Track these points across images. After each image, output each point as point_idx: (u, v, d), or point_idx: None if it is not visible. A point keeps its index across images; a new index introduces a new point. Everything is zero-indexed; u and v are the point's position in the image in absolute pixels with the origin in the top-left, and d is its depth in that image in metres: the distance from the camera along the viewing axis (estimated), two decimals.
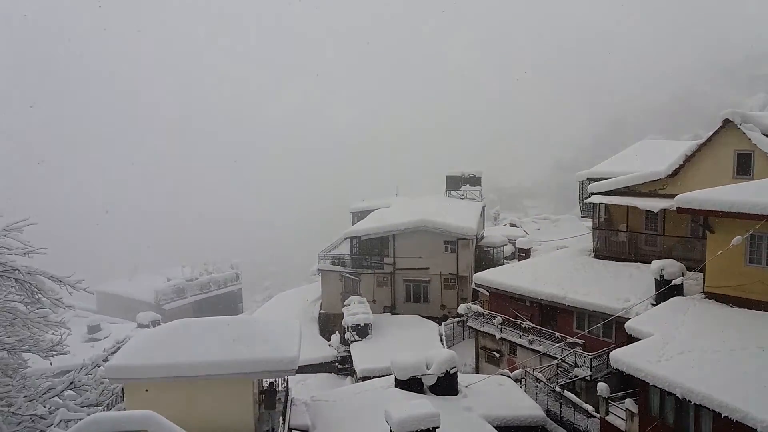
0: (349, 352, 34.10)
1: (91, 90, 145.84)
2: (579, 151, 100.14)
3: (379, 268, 40.21)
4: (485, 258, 50.41)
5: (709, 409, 16.31)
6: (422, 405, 18.07)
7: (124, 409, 19.94)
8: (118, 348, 21.60)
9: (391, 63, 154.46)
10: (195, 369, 18.98)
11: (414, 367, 22.16)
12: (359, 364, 31.15)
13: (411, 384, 22.24)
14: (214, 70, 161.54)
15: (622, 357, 18.91)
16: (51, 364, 24.20)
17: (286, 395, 22.24)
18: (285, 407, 21.53)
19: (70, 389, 21.42)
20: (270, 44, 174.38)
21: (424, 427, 17.41)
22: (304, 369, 35.31)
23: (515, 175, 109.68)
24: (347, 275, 40.30)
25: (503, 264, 40.09)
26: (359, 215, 48.79)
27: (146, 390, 19.31)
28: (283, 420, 20.38)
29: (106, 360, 21.98)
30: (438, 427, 17.73)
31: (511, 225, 59.38)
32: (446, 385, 22.60)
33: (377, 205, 48.57)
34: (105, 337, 51.12)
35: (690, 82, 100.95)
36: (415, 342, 33.12)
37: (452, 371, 22.64)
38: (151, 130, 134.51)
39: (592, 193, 29.23)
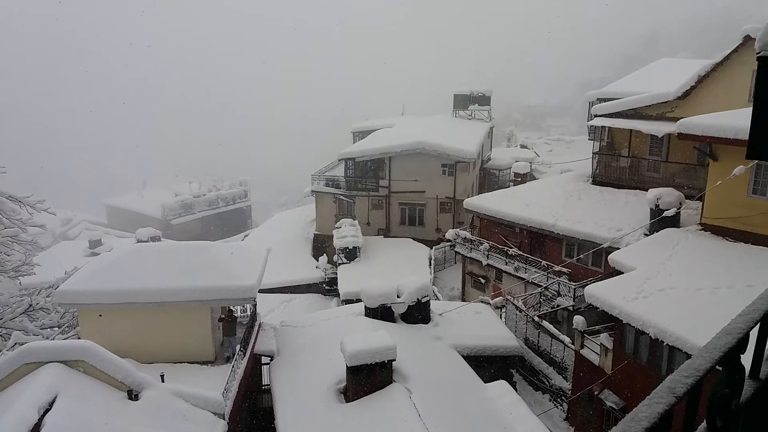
0: (337, 274, 33.48)
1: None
2: (609, 69, 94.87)
3: (374, 191, 38.90)
4: (490, 180, 48.71)
5: (682, 351, 15.16)
6: (380, 337, 17.23)
7: (78, 337, 19.62)
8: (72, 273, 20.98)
9: None
10: (147, 295, 18.34)
11: (384, 296, 21.26)
12: (343, 287, 30.56)
13: (381, 312, 21.42)
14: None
15: (596, 292, 17.66)
16: (20, 284, 23.96)
17: (252, 321, 21.68)
18: (249, 333, 21.01)
19: (30, 311, 21.10)
20: None
21: (379, 359, 16.63)
22: (292, 289, 35.06)
23: (542, 93, 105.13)
24: (341, 197, 39.13)
25: (509, 187, 38.43)
26: (360, 135, 46.97)
27: (100, 315, 18.83)
28: (244, 346, 19.86)
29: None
30: (394, 360, 16.96)
31: (522, 146, 57.00)
32: (417, 314, 21.76)
33: (380, 125, 46.57)
34: (107, 251, 51.60)
35: None
36: (403, 266, 32.32)
37: (424, 300, 21.72)
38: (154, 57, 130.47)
39: (596, 115, 27.01)
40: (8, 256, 22.77)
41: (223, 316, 20.06)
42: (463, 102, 49.14)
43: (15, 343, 18.74)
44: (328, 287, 34.75)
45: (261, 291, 33.73)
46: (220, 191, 75.47)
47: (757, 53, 2.73)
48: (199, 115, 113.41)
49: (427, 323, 21.90)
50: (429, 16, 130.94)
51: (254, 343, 21.32)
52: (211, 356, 19.86)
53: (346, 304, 28.39)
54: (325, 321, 22.18)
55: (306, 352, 20.05)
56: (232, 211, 75.56)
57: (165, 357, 19.25)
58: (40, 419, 13.27)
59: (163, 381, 16.29)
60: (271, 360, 21.03)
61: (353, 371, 16.57)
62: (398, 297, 21.60)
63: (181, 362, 19.41)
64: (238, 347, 19.31)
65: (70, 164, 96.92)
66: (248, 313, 22.29)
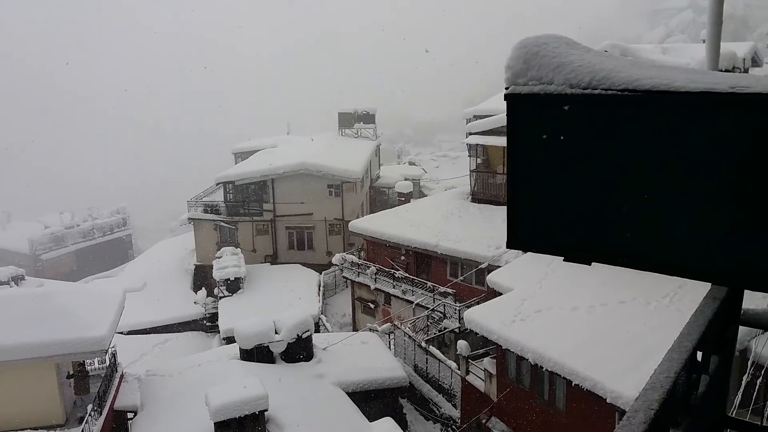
0: (218, 308, 31.28)
1: None
2: (488, 85, 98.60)
3: (258, 215, 37.06)
4: (380, 199, 48.31)
5: (561, 376, 14.92)
6: (250, 385, 15.71)
7: None
8: None
9: None
10: None
11: (259, 335, 19.69)
12: (224, 323, 28.49)
13: (257, 353, 19.82)
14: None
15: (475, 317, 17.21)
16: None
17: (111, 372, 19.30)
18: (108, 387, 18.65)
19: None
20: None
21: (248, 411, 15.11)
22: (170, 328, 32.41)
23: (432, 108, 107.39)
24: (222, 224, 36.93)
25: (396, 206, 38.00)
26: (243, 156, 45.00)
27: None
28: (100, 403, 17.53)
29: None
30: (266, 410, 15.50)
31: (410, 163, 57.34)
32: (298, 351, 20.37)
33: (263, 145, 44.85)
34: None
35: (594, 13, 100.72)
36: (291, 295, 30.77)
37: (305, 335, 20.38)
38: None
39: (470, 133, 27.10)
40: None
41: (71, 372, 17.63)
42: (348, 120, 48.51)
43: None
44: (209, 324, 32.43)
45: (132, 333, 31.00)
46: (96, 220, 69.96)
47: (506, 88, 1.84)
48: (67, 136, 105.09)
49: (309, 360, 20.55)
50: (313, 32, 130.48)
51: (114, 398, 18.96)
52: (60, 419, 17.40)
53: (227, 342, 26.41)
54: (196, 367, 20.22)
55: (174, 405, 18.05)
56: (110, 242, 70.27)
57: (5, 424, 16.58)
58: None
59: None
60: (134, 416, 18.78)
61: (220, 427, 14.93)
62: (276, 334, 20.11)
63: (24, 429, 16.80)
64: (90, 406, 16.97)
65: None
66: (107, 364, 19.85)
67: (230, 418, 14.80)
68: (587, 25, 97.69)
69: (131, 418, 19.00)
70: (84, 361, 18.32)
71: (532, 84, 1.80)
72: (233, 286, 31.71)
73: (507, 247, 1.99)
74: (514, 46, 1.89)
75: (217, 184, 38.29)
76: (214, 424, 14.92)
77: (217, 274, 31.85)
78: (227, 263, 32.22)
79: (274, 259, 37.37)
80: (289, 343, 20.09)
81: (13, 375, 16.55)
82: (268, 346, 19.88)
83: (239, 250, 34.80)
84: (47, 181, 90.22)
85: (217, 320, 30.85)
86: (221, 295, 31.73)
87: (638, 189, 1.71)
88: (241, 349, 20.01)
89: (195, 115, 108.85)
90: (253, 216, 36.99)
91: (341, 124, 48.87)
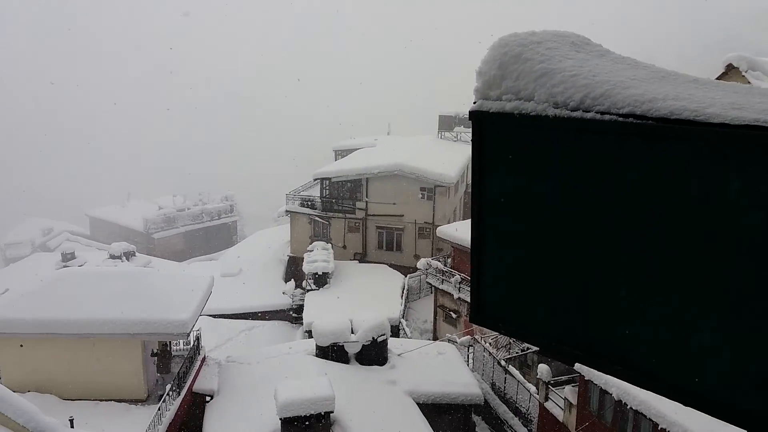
0: (304, 301, 31.83)
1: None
2: None
3: (350, 213, 37.39)
4: None
5: (647, 417, 13.61)
6: (319, 384, 15.67)
7: None
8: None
9: None
10: (71, 326, 16.75)
11: (335, 334, 19.66)
12: (307, 317, 28.89)
13: (332, 351, 19.80)
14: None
15: None
16: None
17: (193, 356, 20.05)
18: (188, 369, 19.37)
19: None
20: None
21: (314, 411, 15.05)
22: (258, 316, 33.40)
23: None
24: (317, 218, 37.61)
25: None
26: (342, 154, 45.63)
27: (21, 345, 17.25)
28: (179, 384, 18.22)
29: None
30: (332, 412, 15.37)
31: None
32: (373, 354, 20.13)
33: (362, 144, 45.22)
34: (79, 266, 49.90)
35: (725, 24, 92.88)
36: (375, 295, 30.71)
37: (380, 339, 20.10)
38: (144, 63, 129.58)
39: None
40: None
41: (156, 350, 18.46)
42: (448, 123, 47.87)
43: None
44: (295, 315, 33.08)
45: (222, 317, 32.27)
46: (205, 205, 74.04)
47: (473, 104, 1.39)
48: (188, 125, 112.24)
49: (383, 365, 20.26)
50: (427, 32, 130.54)
51: (194, 380, 19.67)
52: (142, 394, 18.23)
53: (309, 336, 26.76)
54: (274, 359, 20.55)
55: (247, 394, 18.42)
56: (217, 227, 74.03)
57: (91, 393, 17.63)
58: None
59: (72, 426, 14.65)
60: (210, 399, 19.38)
61: (286, 423, 14.97)
62: (353, 334, 20.00)
63: (108, 400, 17.80)
64: (169, 385, 17.68)
65: (54, 172, 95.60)
66: (190, 346, 20.65)
67: (295, 416, 14.79)
68: (712, 38, 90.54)
69: (208, 401, 19.63)
70: (169, 342, 19.12)
71: (506, 98, 1.29)
72: (321, 280, 32.14)
73: (470, 321, 1.47)
74: (492, 45, 1.37)
75: (315, 180, 39.04)
76: (280, 420, 14.97)
77: (307, 267, 32.41)
78: (317, 257, 32.71)
79: (362, 257, 37.53)
80: (364, 345, 19.90)
81: (103, 348, 17.54)
82: (343, 346, 19.81)
83: (330, 245, 35.26)
84: (164, 165, 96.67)
85: (302, 312, 31.42)
86: (309, 288, 32.27)
87: (646, 265, 1.14)
88: (317, 346, 20.09)
89: (303, 113, 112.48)
90: (346, 213, 37.35)
91: (441, 127, 48.33)
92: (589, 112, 1.18)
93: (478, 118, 1.35)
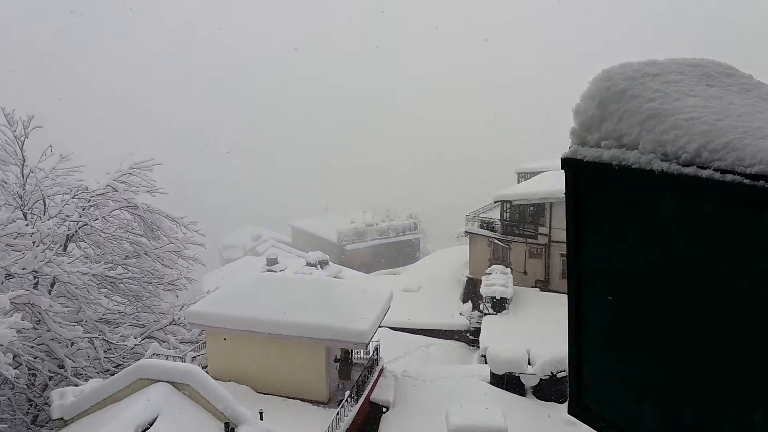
0: (481, 324, 31.39)
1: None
2: None
3: (532, 238, 36.19)
4: None
5: None
6: (492, 414, 15.26)
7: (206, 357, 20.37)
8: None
9: None
10: (264, 325, 18.41)
11: (511, 363, 19.04)
12: (483, 341, 28.40)
13: (507, 381, 19.20)
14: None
15: None
16: (177, 296, 25.90)
17: (372, 366, 20.81)
18: (367, 378, 20.15)
19: (173, 324, 22.57)
20: None
21: None
22: (434, 333, 33.69)
23: None
24: (496, 241, 37.03)
25: None
26: (526, 176, 44.53)
27: (224, 339, 19.37)
28: (357, 392, 19.01)
29: None
30: None
31: None
32: (551, 390, 19.09)
33: (547, 167, 43.65)
34: (281, 270, 54.93)
35: None
36: (557, 327, 29.20)
37: (560, 375, 19.01)
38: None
39: None
40: (170, 269, 24.73)
41: (339, 356, 19.48)
42: None
43: (153, 354, 20.01)
44: (471, 337, 32.75)
45: (401, 330, 33.10)
46: (392, 222, 77.28)
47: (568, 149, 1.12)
48: (375, 143, 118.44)
49: (562, 403, 19.11)
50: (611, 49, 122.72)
51: (371, 389, 20.41)
52: (324, 397, 19.33)
53: (485, 361, 26.33)
54: (448, 379, 20.51)
55: (419, 411, 18.61)
56: (402, 242, 76.76)
57: (280, 390, 19.13)
58: None
59: (261, 418, 16.01)
60: (385, 411, 19.93)
61: None
62: (529, 365, 19.21)
63: (294, 398, 19.16)
64: (348, 392, 18.52)
65: (266, 185, 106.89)
66: (370, 356, 21.48)
67: None
68: None
69: (384, 412, 20.20)
70: (350, 350, 20.09)
71: (605, 145, 1.03)
72: (498, 305, 31.48)
73: (568, 413, 1.23)
74: (594, 77, 1.11)
75: (495, 202, 38.55)
76: None
77: (484, 291, 32.00)
78: (495, 281, 32.14)
79: (544, 285, 36.03)
80: (541, 379, 19.00)
81: (292, 349, 18.96)
82: (519, 377, 19.11)
83: (509, 270, 34.43)
84: (357, 182, 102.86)
85: (479, 335, 31.03)
86: (486, 311, 31.79)
87: None
88: (491, 373, 19.64)
89: (488, 133, 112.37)
90: (527, 238, 36.24)
91: None
92: (706, 168, 0.88)
93: (572, 168, 1.09)
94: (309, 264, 54.44)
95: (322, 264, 54.25)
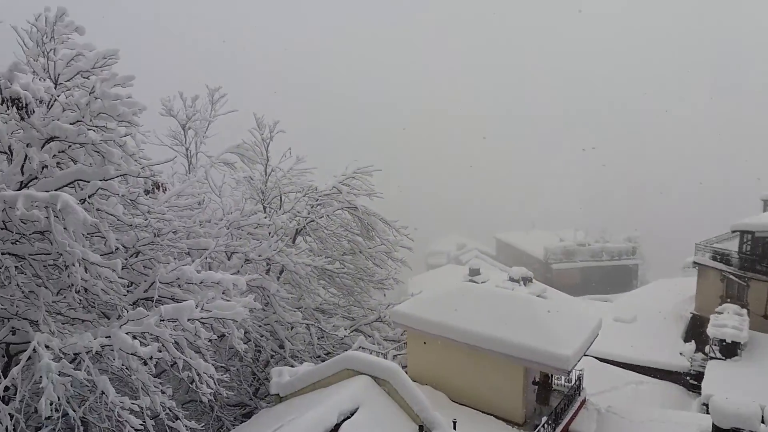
0: (705, 368, 27.70)
1: None
2: None
3: None
4: None
5: None
6: None
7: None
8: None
9: None
10: (462, 335, 18.38)
11: (739, 418, 16.43)
12: (707, 388, 25.01)
13: None
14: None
15: None
16: (384, 295, 27.26)
17: (573, 394, 19.59)
18: (567, 407, 19.04)
19: (379, 321, 23.72)
20: None
21: None
22: (645, 371, 30.69)
23: None
24: (731, 276, 32.33)
25: None
26: None
27: (424, 342, 19.78)
28: (555, 419, 18.06)
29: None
30: None
31: None
32: None
33: None
34: (483, 282, 54.78)
35: None
36: None
37: None
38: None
39: None
40: (380, 269, 26.14)
41: (537, 379, 18.69)
42: None
43: (359, 347, 21.32)
44: (692, 381, 29.10)
45: (608, 362, 30.65)
46: (606, 244, 72.43)
47: None
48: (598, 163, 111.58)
49: None
50: None
51: (570, 419, 19.23)
52: (519, 418, 18.72)
53: (706, 410, 23.22)
54: (660, 424, 18.45)
55: None
56: (616, 267, 71.61)
57: (475, 402, 19.00)
58: (338, 424, 14.56)
59: (455, 428, 16.02)
60: None
61: None
62: (763, 424, 16.41)
63: (488, 414, 18.87)
64: (545, 418, 17.67)
65: (475, 194, 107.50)
66: (571, 384, 20.26)
67: None
68: None
69: None
70: (550, 374, 19.16)
71: None
72: (728, 349, 27.50)
73: None
74: None
75: (733, 232, 33.73)
76: None
77: (713, 331, 28.20)
78: (727, 322, 28.15)
79: None
80: None
81: (489, 363, 18.65)
82: None
83: (745, 311, 29.88)
84: (567, 199, 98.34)
85: (701, 381, 27.48)
86: (712, 355, 28.00)
87: None
88: (714, 425, 17.20)
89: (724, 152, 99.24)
90: None
91: None
92: None
93: None
94: (512, 279, 53.49)
95: (526, 281, 52.89)
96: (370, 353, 20.30)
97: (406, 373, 17.92)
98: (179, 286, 13.77)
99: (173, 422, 13.06)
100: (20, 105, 9.78)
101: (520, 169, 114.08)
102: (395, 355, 22.06)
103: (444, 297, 20.04)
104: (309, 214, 22.95)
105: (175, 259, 14.96)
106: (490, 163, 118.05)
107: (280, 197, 23.93)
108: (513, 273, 53.13)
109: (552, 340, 17.37)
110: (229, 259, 19.56)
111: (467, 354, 18.89)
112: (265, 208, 23.56)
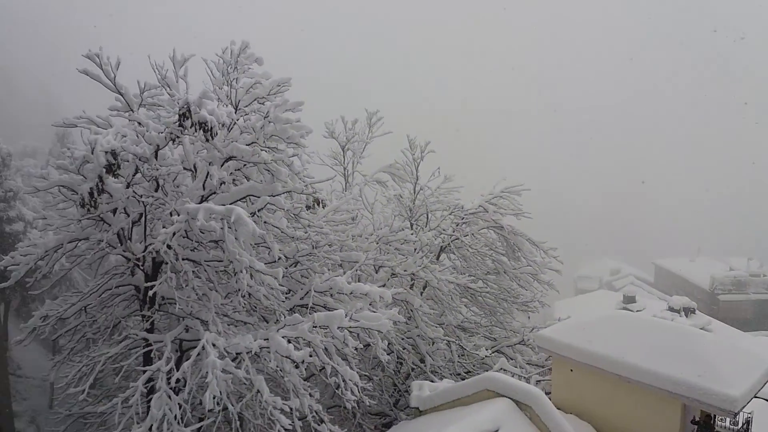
0: None
1: None
2: None
3: None
4: None
5: None
6: None
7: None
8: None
9: None
10: (613, 365, 17.37)
11: None
12: None
13: None
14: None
15: None
16: (529, 318, 26.67)
17: None
18: None
19: (522, 344, 23.22)
20: None
21: None
22: None
23: None
24: None
25: None
26: None
27: (571, 370, 19.01)
28: None
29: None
30: None
31: None
32: None
33: None
34: (638, 310, 51.19)
35: None
36: None
37: None
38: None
39: None
40: (525, 290, 25.66)
41: (697, 419, 17.13)
42: None
43: (501, 368, 21.07)
44: None
45: None
46: None
47: None
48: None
49: None
50: None
51: None
52: None
53: None
54: None
55: None
56: None
57: None
58: None
59: None
60: None
61: None
62: None
63: None
64: None
65: (630, 217, 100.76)
66: (739, 427, 18.28)
67: None
68: None
69: None
70: (713, 415, 17.48)
71: None
72: None
73: None
74: None
75: None
76: None
77: None
78: None
79: None
80: None
81: (641, 397, 17.46)
82: None
83: None
84: (740, 223, 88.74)
85: None
86: None
87: None
88: None
89: None
90: None
91: None
92: None
93: None
94: (672, 309, 49.54)
95: (688, 311, 48.77)
96: (512, 376, 19.97)
97: (550, 399, 17.38)
98: (331, 295, 14.72)
99: (318, 425, 13.89)
100: (206, 128, 11.24)
101: (681, 189, 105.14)
102: (538, 381, 21.45)
103: (595, 324, 19.16)
104: (454, 232, 23.23)
105: (329, 270, 16.01)
106: (654, 182, 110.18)
107: (427, 215, 24.50)
108: (673, 302, 49.14)
109: (716, 377, 15.87)
110: (376, 272, 20.44)
111: (618, 386, 17.86)
112: (412, 225, 24.25)
